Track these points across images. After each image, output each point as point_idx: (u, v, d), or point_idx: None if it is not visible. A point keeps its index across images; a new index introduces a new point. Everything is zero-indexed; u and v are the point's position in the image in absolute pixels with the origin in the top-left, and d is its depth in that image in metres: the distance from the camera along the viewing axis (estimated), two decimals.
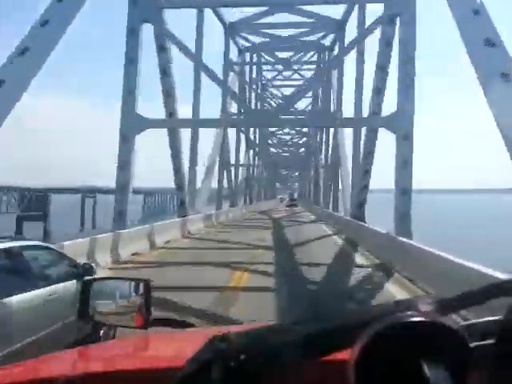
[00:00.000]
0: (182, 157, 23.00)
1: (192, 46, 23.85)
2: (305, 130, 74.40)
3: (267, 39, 41.63)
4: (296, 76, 57.13)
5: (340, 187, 33.27)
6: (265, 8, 32.85)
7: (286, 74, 58.21)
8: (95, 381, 1.09)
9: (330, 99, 39.78)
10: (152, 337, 1.87)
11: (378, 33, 19.76)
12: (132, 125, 17.12)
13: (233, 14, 35.57)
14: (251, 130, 55.81)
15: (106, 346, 1.76)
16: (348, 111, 32.85)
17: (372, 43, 22.36)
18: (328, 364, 0.81)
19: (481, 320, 0.75)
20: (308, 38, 41.34)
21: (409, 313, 0.67)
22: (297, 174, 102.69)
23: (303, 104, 61.27)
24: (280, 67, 55.84)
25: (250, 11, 36.31)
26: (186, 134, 25.86)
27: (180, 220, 22.54)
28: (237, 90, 38.11)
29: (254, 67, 51.88)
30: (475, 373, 0.68)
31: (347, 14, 32.74)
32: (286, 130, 79.12)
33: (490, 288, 0.73)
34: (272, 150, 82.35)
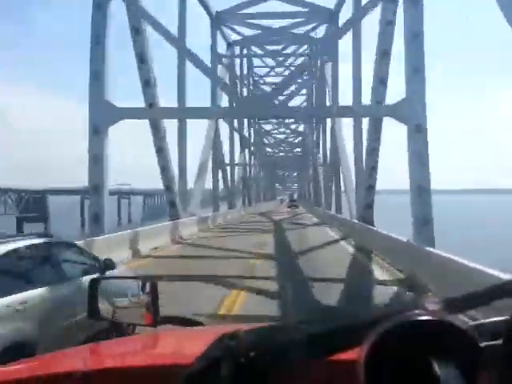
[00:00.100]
0: (167, 153, 20.94)
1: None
2: (300, 129, 73.49)
3: (258, 31, 39.59)
4: (289, 72, 54.98)
5: (342, 187, 31.23)
6: None
7: (279, 70, 56.16)
8: (105, 377, 1.10)
9: (325, 92, 37.82)
10: (161, 334, 1.79)
11: (376, 14, 17.33)
12: (102, 114, 14.86)
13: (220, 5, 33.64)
14: (245, 128, 54.17)
15: (116, 343, 1.72)
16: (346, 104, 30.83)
17: (371, 26, 20.05)
18: (335, 363, 0.81)
19: (488, 320, 0.75)
20: (300, 31, 39.40)
21: (417, 311, 0.67)
22: (295, 174, 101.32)
23: (297, 102, 59.06)
24: (272, 63, 53.99)
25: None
26: (174, 130, 23.94)
27: (171, 223, 20.41)
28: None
29: (245, 62, 49.89)
30: (484, 372, 0.67)
31: (339, 5, 30.84)
32: (282, 129, 78.00)
33: (496, 289, 0.73)
34: (268, 149, 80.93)
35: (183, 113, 20.62)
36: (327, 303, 8.18)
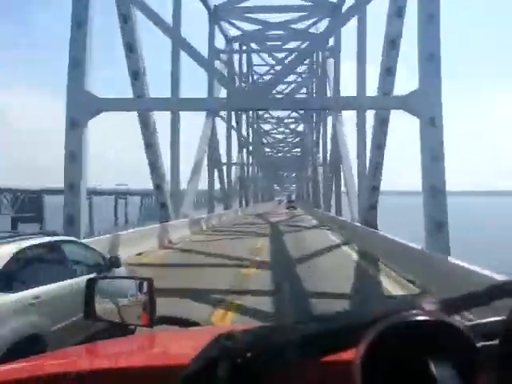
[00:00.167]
0: (158, 150, 19.57)
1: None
2: (300, 128, 72.29)
3: (259, 26, 38.13)
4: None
5: (343, 188, 29.77)
6: None
7: (279, 68, 54.57)
8: (101, 377, 1.10)
9: (326, 87, 36.31)
10: (158, 335, 1.82)
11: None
12: (82, 106, 13.37)
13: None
14: (243, 127, 52.79)
15: (113, 344, 1.66)
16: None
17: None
18: (332, 364, 0.81)
19: (485, 320, 0.74)
20: (301, 26, 37.87)
21: (414, 312, 0.67)
22: (294, 175, 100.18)
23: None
24: (272, 62, 52.43)
25: None
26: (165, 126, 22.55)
27: (159, 226, 18.96)
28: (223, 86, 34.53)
29: (245, 59, 48.43)
30: (481, 372, 0.67)
31: None
32: (281, 129, 76.90)
33: (493, 289, 0.72)
34: (267, 149, 79.91)
35: (175, 104, 17.96)
36: None
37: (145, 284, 2.04)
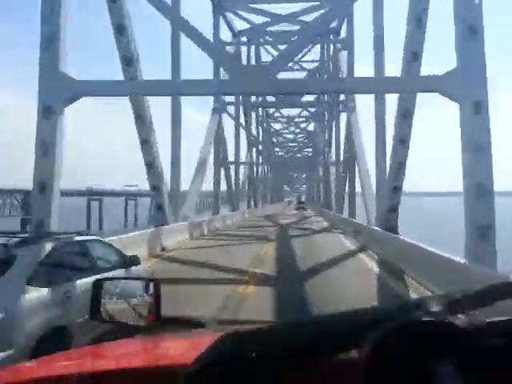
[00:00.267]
0: (155, 147, 17.63)
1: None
2: (310, 127, 70.20)
3: (267, 19, 36.02)
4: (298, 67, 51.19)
5: (357, 188, 27.62)
6: None
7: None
8: (106, 378, 1.10)
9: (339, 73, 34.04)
10: (163, 335, 1.83)
11: None
12: (56, 90, 11.33)
13: None
14: (253, 126, 50.87)
15: (118, 345, 1.68)
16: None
17: None
18: (336, 363, 0.81)
19: (488, 320, 0.74)
20: (312, 17, 35.62)
21: (418, 313, 0.68)
22: (304, 176, 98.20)
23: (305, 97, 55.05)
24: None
25: None
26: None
27: (153, 231, 16.96)
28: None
29: (253, 55, 46.34)
30: (484, 372, 0.68)
31: None
32: (292, 129, 75.05)
33: (497, 289, 0.73)
34: (277, 149, 78.27)
35: (172, 87, 14.21)
36: None
37: (151, 285, 2.07)
